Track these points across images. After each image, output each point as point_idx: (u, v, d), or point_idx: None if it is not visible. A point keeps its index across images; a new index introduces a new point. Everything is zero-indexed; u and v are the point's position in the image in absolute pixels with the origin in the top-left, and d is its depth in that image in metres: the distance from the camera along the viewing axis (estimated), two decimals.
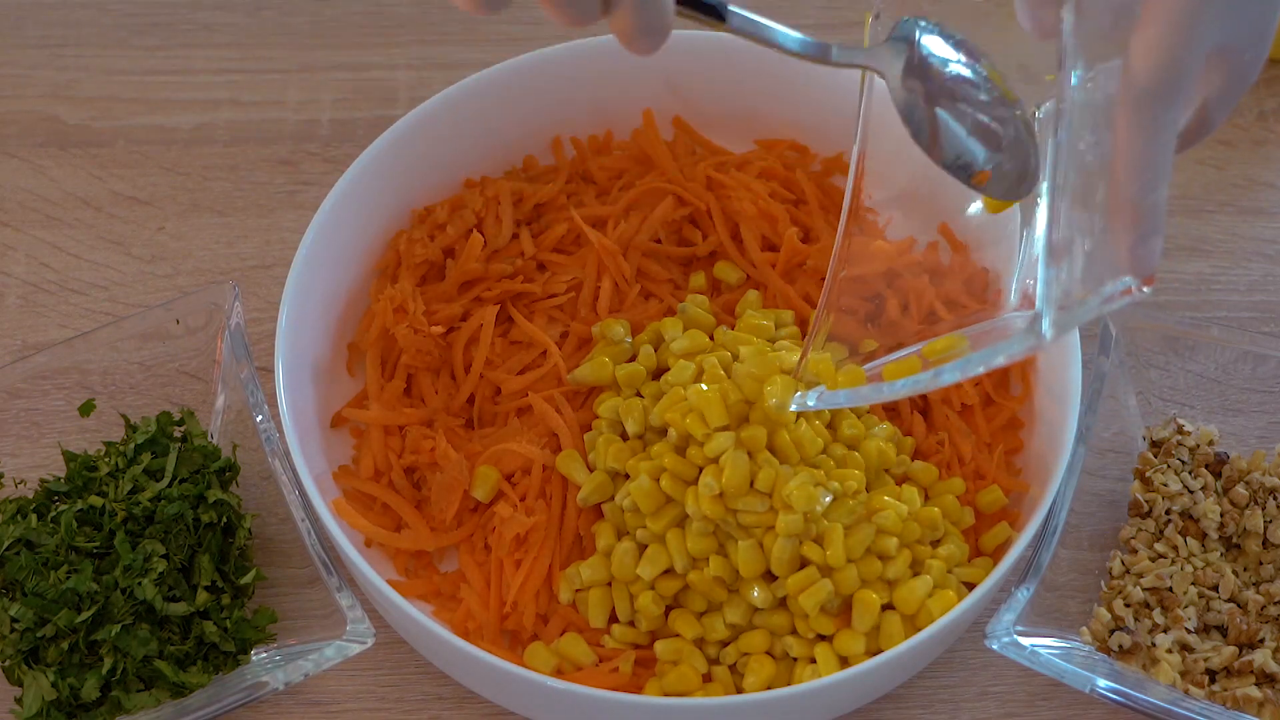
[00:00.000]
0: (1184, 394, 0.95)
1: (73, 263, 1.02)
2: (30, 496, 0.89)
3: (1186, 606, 0.86)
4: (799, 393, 0.83)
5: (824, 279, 0.94)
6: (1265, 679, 0.84)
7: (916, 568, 0.84)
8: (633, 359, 0.90)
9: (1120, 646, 0.84)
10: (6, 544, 0.85)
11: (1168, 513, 0.89)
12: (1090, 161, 0.71)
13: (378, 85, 1.10)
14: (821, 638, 0.83)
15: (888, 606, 0.83)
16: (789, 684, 0.83)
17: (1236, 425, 0.95)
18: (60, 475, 0.89)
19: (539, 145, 1.00)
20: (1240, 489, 0.89)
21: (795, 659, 0.84)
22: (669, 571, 0.84)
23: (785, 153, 1.00)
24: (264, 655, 0.85)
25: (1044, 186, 0.72)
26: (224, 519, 0.87)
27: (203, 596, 0.84)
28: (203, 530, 0.86)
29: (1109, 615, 0.86)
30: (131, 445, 0.89)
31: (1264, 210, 1.06)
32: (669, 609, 0.85)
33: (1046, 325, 0.71)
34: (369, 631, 0.82)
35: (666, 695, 0.83)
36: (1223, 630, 0.86)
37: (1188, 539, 0.88)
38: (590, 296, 0.93)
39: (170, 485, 0.87)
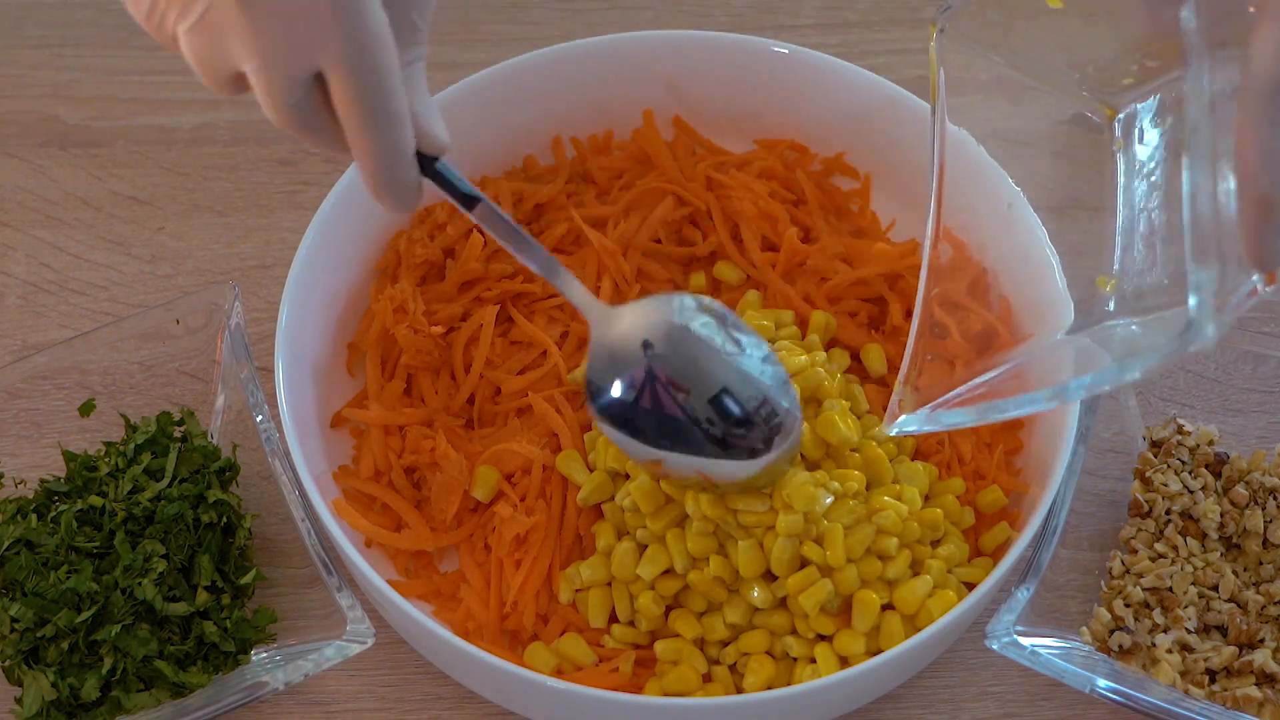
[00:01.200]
0: (1184, 394, 0.95)
1: (73, 263, 1.02)
2: (30, 496, 0.89)
3: (1186, 606, 0.86)
4: (901, 416, 0.82)
5: (824, 279, 0.94)
6: (1265, 679, 0.84)
7: (916, 568, 0.84)
8: None
9: (1120, 646, 0.84)
10: (6, 544, 0.85)
11: (1168, 513, 0.89)
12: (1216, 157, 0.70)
13: None
14: (821, 638, 0.83)
15: (888, 606, 0.83)
16: (789, 684, 0.83)
17: (1236, 425, 0.94)
18: (60, 475, 0.89)
19: (539, 145, 1.00)
20: (1240, 489, 0.89)
21: (795, 659, 0.83)
22: (669, 571, 0.84)
23: (785, 153, 1.00)
24: (264, 655, 0.85)
25: (1185, 190, 0.70)
26: (224, 519, 0.87)
27: (203, 596, 0.84)
28: (203, 530, 0.86)
29: (1109, 615, 0.86)
30: (131, 445, 0.89)
31: None
32: (669, 609, 0.85)
33: (1210, 328, 0.68)
34: (369, 631, 0.82)
35: (666, 695, 0.83)
36: (1223, 630, 0.86)
37: (1188, 539, 0.88)
38: None
39: (170, 485, 0.87)
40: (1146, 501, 0.90)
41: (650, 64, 0.99)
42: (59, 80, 1.10)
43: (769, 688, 0.82)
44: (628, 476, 0.85)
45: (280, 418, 0.85)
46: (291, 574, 0.88)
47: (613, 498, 0.86)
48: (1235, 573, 0.88)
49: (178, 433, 0.91)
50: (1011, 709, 0.87)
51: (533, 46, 0.98)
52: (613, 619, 0.86)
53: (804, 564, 0.83)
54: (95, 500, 0.86)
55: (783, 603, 0.83)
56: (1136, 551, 0.88)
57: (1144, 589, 0.87)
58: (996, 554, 0.86)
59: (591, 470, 0.87)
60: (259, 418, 0.87)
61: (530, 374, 0.90)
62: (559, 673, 0.84)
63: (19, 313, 1.00)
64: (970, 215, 0.94)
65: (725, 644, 0.84)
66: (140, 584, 0.83)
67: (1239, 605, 0.86)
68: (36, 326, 0.99)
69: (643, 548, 0.85)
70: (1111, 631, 0.85)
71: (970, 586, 0.84)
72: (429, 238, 0.94)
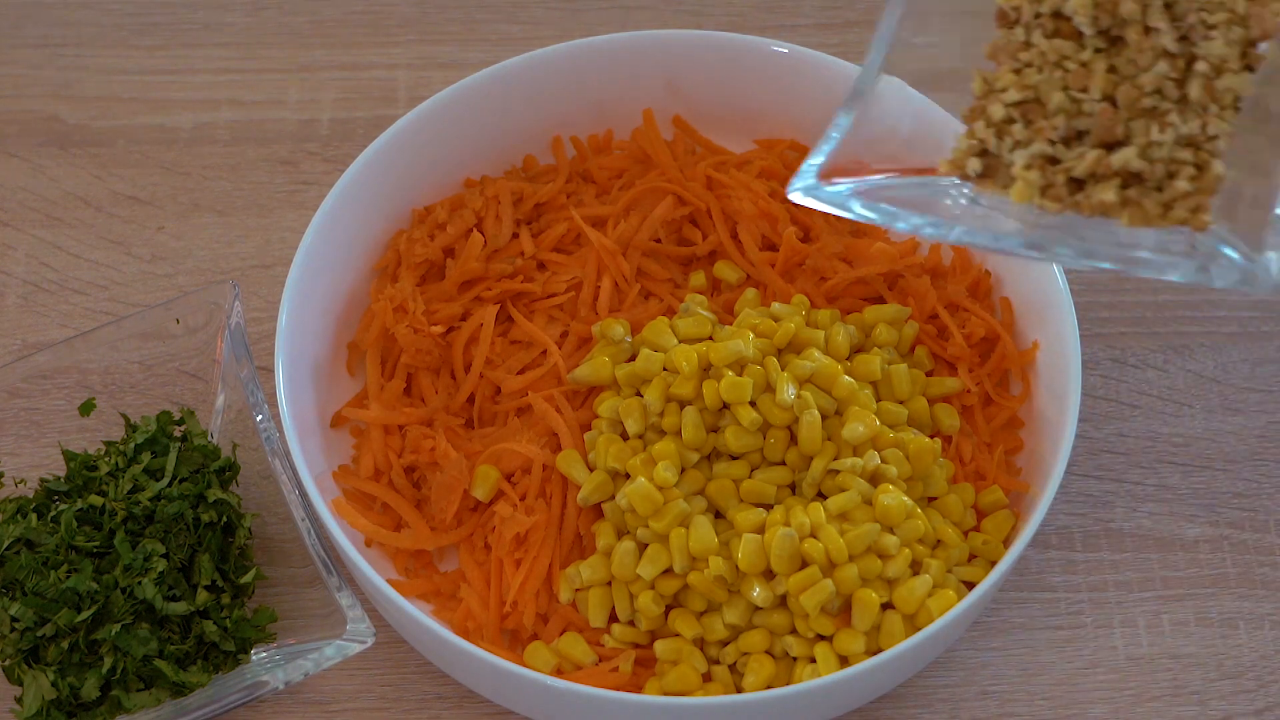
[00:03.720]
0: (1184, 394, 0.95)
1: (73, 262, 1.02)
2: (30, 496, 0.89)
3: (1056, 114, 0.76)
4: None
5: (824, 279, 0.94)
6: (1133, 179, 0.75)
7: (916, 567, 0.84)
8: (633, 359, 0.90)
9: (974, 172, 0.77)
10: (6, 543, 0.85)
11: (1037, 16, 0.78)
12: None
13: (378, 85, 1.10)
14: (821, 637, 0.83)
15: (887, 606, 0.83)
16: (789, 684, 0.83)
17: (1236, 425, 0.94)
18: (60, 475, 0.89)
19: (539, 145, 1.00)
20: None
21: (795, 658, 0.84)
22: (669, 571, 0.84)
23: (785, 153, 1.00)
24: (264, 655, 0.85)
25: None
26: (224, 518, 0.87)
27: (203, 596, 0.84)
28: (203, 530, 0.86)
29: (968, 141, 0.78)
30: (131, 445, 0.89)
31: None
32: (669, 609, 0.85)
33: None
34: (369, 631, 0.82)
35: (666, 695, 0.83)
36: None
37: (1059, 41, 0.77)
38: (590, 296, 0.93)
39: (170, 485, 0.87)
40: (1013, 10, 0.78)
41: (650, 64, 0.99)
42: (59, 80, 1.10)
43: (769, 687, 0.82)
44: (628, 476, 0.85)
45: (280, 417, 0.85)
46: (291, 574, 0.88)
47: (613, 497, 0.86)
48: (1115, 67, 0.76)
49: (178, 432, 0.91)
50: (1011, 709, 0.87)
51: (533, 46, 0.98)
52: (613, 618, 0.86)
53: (805, 564, 0.83)
54: (95, 500, 0.86)
55: (783, 602, 0.83)
56: (1000, 65, 0.78)
57: (1006, 105, 0.77)
58: (995, 552, 0.86)
59: (591, 470, 0.87)
60: (259, 417, 0.87)
61: (530, 373, 0.90)
62: (559, 672, 0.84)
63: (19, 312, 1.00)
64: None
65: (725, 644, 0.84)
66: (140, 583, 0.83)
67: (1112, 103, 0.76)
68: (36, 326, 0.99)
69: (643, 547, 0.85)
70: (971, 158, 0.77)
71: (970, 586, 0.84)
72: (429, 237, 0.94)
